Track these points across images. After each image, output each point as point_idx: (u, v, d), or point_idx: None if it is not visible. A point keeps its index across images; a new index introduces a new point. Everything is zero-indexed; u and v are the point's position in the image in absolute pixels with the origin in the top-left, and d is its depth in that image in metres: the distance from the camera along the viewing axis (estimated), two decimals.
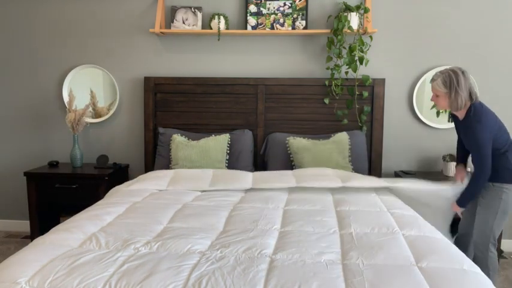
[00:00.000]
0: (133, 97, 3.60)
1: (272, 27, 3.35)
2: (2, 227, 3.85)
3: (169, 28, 3.43)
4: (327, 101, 3.35)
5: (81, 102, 3.53)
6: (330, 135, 3.28)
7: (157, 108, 3.50)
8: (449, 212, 2.64)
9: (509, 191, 2.37)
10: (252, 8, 3.35)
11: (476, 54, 3.34)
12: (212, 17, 3.34)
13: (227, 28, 3.37)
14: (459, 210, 2.52)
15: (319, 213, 2.26)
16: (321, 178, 2.77)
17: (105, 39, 3.57)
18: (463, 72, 2.34)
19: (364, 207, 2.39)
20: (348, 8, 3.21)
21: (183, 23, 3.39)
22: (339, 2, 3.36)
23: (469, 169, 3.16)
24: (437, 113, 3.38)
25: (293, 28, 3.34)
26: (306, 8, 3.32)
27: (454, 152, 3.31)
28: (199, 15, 3.38)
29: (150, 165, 3.49)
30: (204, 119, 3.47)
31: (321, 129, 3.39)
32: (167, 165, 3.31)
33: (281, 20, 3.34)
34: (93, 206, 2.42)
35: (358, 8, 3.20)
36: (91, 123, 3.62)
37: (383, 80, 3.32)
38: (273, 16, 3.34)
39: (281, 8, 3.34)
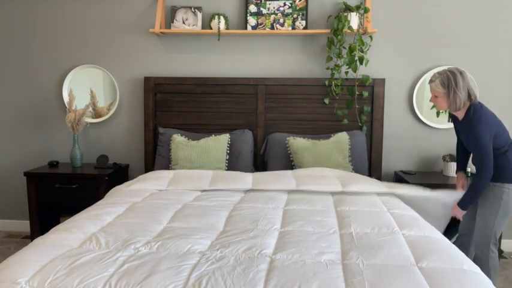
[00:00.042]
0: (133, 97, 3.60)
1: (272, 27, 3.35)
2: (2, 227, 3.85)
3: (169, 28, 3.43)
4: (327, 101, 3.35)
5: (81, 102, 3.53)
6: (330, 135, 3.28)
7: (157, 108, 3.50)
8: (444, 219, 2.64)
9: (510, 191, 2.37)
10: (252, 8, 3.35)
11: (476, 54, 3.34)
12: (212, 17, 3.34)
13: (227, 28, 3.37)
14: (461, 214, 2.50)
15: (319, 213, 2.26)
16: (320, 180, 2.76)
17: (105, 39, 3.57)
18: (461, 73, 2.35)
19: (364, 207, 2.39)
20: (348, 8, 3.21)
21: (183, 23, 3.39)
22: (339, 2, 3.36)
23: (469, 169, 3.16)
24: (437, 113, 3.38)
25: (293, 28, 3.34)
26: (306, 8, 3.32)
27: (454, 152, 3.32)
28: (199, 15, 3.38)
29: (150, 165, 3.49)
30: (204, 119, 3.47)
31: (321, 129, 3.39)
32: (167, 165, 3.31)
33: (281, 20, 3.34)
34: (93, 206, 2.42)
35: (358, 8, 3.20)
36: (91, 123, 3.62)
37: (383, 80, 3.32)
38: (273, 16, 3.34)
39: (281, 8, 3.34)
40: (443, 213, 2.60)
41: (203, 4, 3.44)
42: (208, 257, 1.70)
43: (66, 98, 3.54)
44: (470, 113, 2.35)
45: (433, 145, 3.44)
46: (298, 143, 3.21)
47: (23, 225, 3.77)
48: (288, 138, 3.27)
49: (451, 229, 3.08)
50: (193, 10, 3.39)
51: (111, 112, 3.60)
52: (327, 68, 3.33)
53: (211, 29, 3.36)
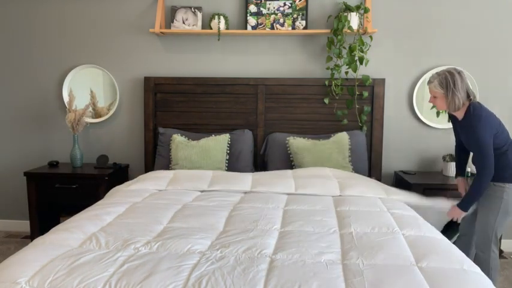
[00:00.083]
0: (133, 97, 3.60)
1: (272, 27, 3.35)
2: (2, 227, 3.85)
3: (169, 28, 3.43)
4: (327, 101, 3.35)
5: (81, 102, 3.53)
6: (330, 135, 3.28)
7: (157, 108, 3.50)
8: (438, 227, 2.63)
9: (511, 191, 2.37)
10: (252, 8, 3.35)
11: (476, 54, 3.34)
12: (212, 17, 3.34)
13: (227, 28, 3.37)
14: (460, 215, 2.49)
15: (319, 213, 2.26)
16: (319, 183, 2.75)
17: (105, 39, 3.57)
18: (459, 73, 2.35)
19: (364, 207, 2.39)
20: (348, 8, 3.21)
21: (183, 23, 3.39)
22: (339, 2, 3.36)
23: (469, 169, 3.16)
24: (438, 113, 3.38)
25: (293, 28, 3.34)
26: (306, 8, 3.32)
27: (454, 152, 3.31)
28: (199, 15, 3.38)
29: (150, 165, 3.49)
30: (204, 119, 3.47)
31: (321, 129, 3.39)
32: (167, 165, 3.31)
33: (281, 20, 3.34)
34: (93, 206, 2.42)
35: (358, 8, 3.20)
36: (91, 123, 3.62)
37: (383, 80, 3.32)
38: (273, 16, 3.34)
39: (281, 8, 3.34)
40: (437, 220, 2.59)
41: (203, 4, 3.44)
42: (208, 257, 1.70)
43: (66, 98, 3.54)
44: (470, 113, 2.35)
45: (433, 145, 3.44)
46: (298, 143, 3.21)
47: (23, 225, 3.77)
48: (288, 138, 3.27)
49: (451, 229, 3.08)
50: (193, 10, 3.39)
51: (111, 112, 3.60)
52: (327, 68, 3.33)
53: (211, 29, 3.36)
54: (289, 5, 3.33)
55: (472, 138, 2.35)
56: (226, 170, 3.22)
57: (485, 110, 2.35)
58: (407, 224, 2.10)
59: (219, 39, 3.42)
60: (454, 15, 3.32)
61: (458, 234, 2.74)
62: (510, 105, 3.37)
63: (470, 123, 2.33)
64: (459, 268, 1.63)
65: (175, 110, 3.49)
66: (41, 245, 1.82)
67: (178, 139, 3.28)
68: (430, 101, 2.50)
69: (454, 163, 3.14)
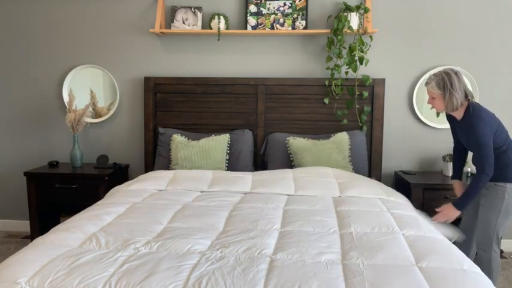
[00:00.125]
0: (133, 97, 3.60)
1: (272, 27, 3.35)
2: (2, 227, 3.85)
3: (169, 28, 3.43)
4: (327, 101, 3.35)
5: (81, 102, 3.53)
6: (330, 135, 3.28)
7: (157, 108, 3.50)
8: None
9: None
10: (252, 8, 3.35)
11: (476, 54, 3.34)
12: (212, 17, 3.34)
13: (227, 28, 3.37)
14: (455, 215, 2.46)
15: (319, 213, 2.26)
16: (319, 183, 2.75)
17: (105, 39, 3.57)
18: (456, 73, 2.36)
19: (364, 207, 2.39)
20: (348, 8, 3.21)
21: (183, 23, 3.39)
22: (339, 2, 3.36)
23: (469, 169, 3.16)
24: (438, 113, 3.37)
25: (293, 28, 3.34)
26: (306, 8, 3.32)
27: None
28: (199, 15, 3.38)
29: (150, 165, 3.49)
30: (204, 119, 3.47)
31: (321, 129, 3.39)
32: (167, 165, 3.31)
33: (281, 20, 3.34)
34: (93, 206, 2.42)
35: (358, 8, 3.20)
36: (91, 123, 3.62)
37: (383, 80, 3.32)
38: (273, 16, 3.34)
39: (281, 8, 3.34)
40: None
41: (203, 4, 3.44)
42: (208, 257, 1.70)
43: (66, 98, 3.54)
44: (470, 113, 2.35)
45: (433, 145, 3.44)
46: (298, 143, 3.21)
47: (23, 225, 3.77)
48: (288, 138, 3.27)
49: (451, 229, 3.08)
50: (193, 10, 3.39)
51: (111, 112, 3.60)
52: (327, 68, 3.33)
53: (211, 29, 3.36)
54: (289, 5, 3.33)
55: (472, 138, 2.35)
56: (226, 170, 3.22)
57: (484, 110, 2.36)
58: (407, 224, 2.10)
59: (219, 39, 3.42)
60: (454, 15, 3.32)
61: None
62: (510, 105, 3.37)
63: (471, 123, 2.33)
64: (459, 268, 1.63)
65: (175, 110, 3.49)
66: (41, 245, 1.82)
67: (178, 139, 3.28)
68: (428, 102, 2.50)
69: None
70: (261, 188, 2.72)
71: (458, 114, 2.43)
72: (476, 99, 3.27)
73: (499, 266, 2.47)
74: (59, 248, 1.77)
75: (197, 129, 3.47)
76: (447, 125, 3.36)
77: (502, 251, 3.21)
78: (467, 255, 2.55)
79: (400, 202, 2.59)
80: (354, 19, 3.21)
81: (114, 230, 1.98)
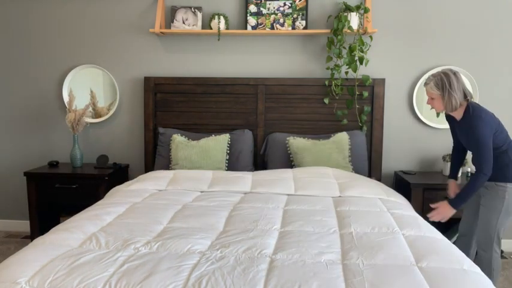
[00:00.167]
0: (133, 97, 3.60)
1: (272, 27, 3.35)
2: (2, 227, 3.85)
3: (169, 28, 3.43)
4: (327, 101, 3.35)
5: (81, 102, 3.53)
6: (330, 135, 3.28)
7: (157, 108, 3.50)
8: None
9: None
10: (252, 8, 3.35)
11: (476, 54, 3.34)
12: (212, 17, 3.34)
13: (227, 28, 3.37)
14: (450, 214, 2.44)
15: (319, 213, 2.26)
16: (319, 184, 2.75)
17: (105, 39, 3.57)
18: (454, 74, 2.36)
19: (364, 207, 2.39)
20: (348, 8, 3.21)
21: (183, 23, 3.39)
22: (339, 2, 3.36)
23: (469, 169, 3.16)
24: (438, 113, 3.37)
25: (293, 28, 3.34)
26: (306, 8, 3.32)
27: None
28: (199, 15, 3.38)
29: (150, 165, 3.49)
30: (204, 119, 3.47)
31: (321, 129, 3.39)
32: (167, 165, 3.31)
33: (281, 20, 3.34)
34: (93, 206, 2.42)
35: (358, 8, 3.20)
36: (91, 123, 3.62)
37: (383, 80, 3.32)
38: (273, 16, 3.34)
39: (281, 8, 3.34)
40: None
41: (203, 4, 3.44)
42: (208, 257, 1.70)
43: (66, 98, 3.54)
44: (469, 113, 2.35)
45: (433, 145, 3.44)
46: (298, 143, 3.21)
47: (23, 225, 3.77)
48: (288, 138, 3.27)
49: (451, 229, 3.08)
50: (193, 10, 3.39)
51: (111, 112, 3.60)
52: (327, 68, 3.33)
53: (211, 29, 3.36)
54: (289, 5, 3.33)
55: (472, 138, 2.35)
56: (226, 170, 3.22)
57: (484, 110, 2.36)
58: (407, 224, 2.10)
59: (219, 39, 3.42)
60: (454, 15, 3.32)
61: (458, 234, 2.74)
62: (510, 105, 3.37)
63: (470, 124, 2.33)
64: (459, 268, 1.63)
65: (175, 110, 3.49)
66: (41, 245, 1.82)
67: (178, 139, 3.28)
68: (428, 103, 2.50)
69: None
70: (261, 188, 2.72)
71: (458, 115, 2.43)
72: (476, 99, 3.27)
73: (499, 266, 2.47)
74: (59, 248, 1.77)
75: (197, 129, 3.47)
76: (447, 125, 3.35)
77: (502, 251, 3.20)
78: (467, 255, 2.55)
79: (400, 202, 2.59)
80: (354, 19, 3.21)
81: (114, 230, 1.98)
